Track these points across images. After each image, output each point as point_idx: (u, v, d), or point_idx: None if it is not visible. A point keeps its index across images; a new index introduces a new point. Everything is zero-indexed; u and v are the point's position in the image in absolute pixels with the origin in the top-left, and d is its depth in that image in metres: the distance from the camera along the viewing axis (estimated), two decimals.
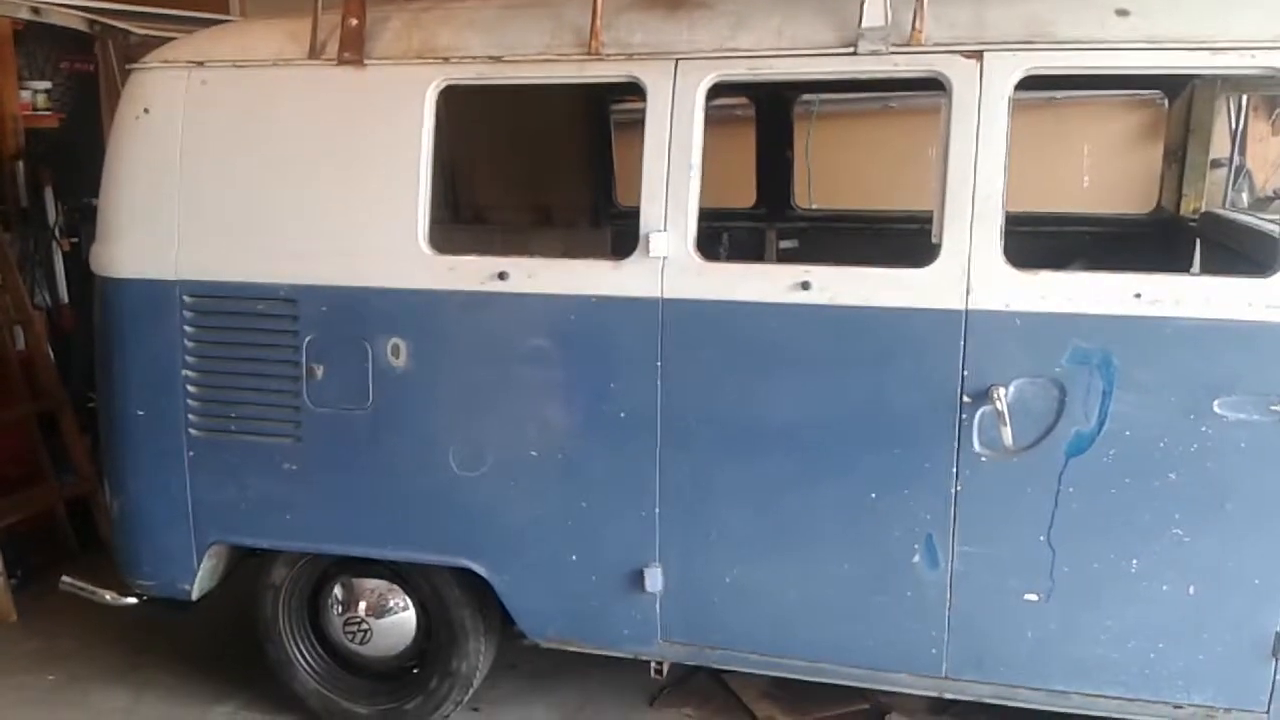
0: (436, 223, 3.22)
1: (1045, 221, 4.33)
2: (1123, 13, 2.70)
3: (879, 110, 5.47)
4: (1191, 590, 2.75)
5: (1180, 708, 2.85)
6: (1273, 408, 2.63)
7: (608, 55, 3.01)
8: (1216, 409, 2.66)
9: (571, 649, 3.35)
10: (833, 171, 5.53)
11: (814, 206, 5.30)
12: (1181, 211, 4.17)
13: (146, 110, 3.33)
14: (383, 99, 3.17)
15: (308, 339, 3.24)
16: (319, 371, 3.24)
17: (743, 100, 4.87)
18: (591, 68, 3.04)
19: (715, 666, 3.35)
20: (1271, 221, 3.22)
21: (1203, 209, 4.15)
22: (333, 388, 3.24)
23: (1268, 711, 2.78)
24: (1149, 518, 2.74)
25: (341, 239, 3.21)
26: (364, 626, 3.50)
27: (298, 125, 3.25)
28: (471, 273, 3.12)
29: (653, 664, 3.31)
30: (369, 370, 3.20)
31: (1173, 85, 4.12)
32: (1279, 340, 2.61)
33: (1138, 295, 2.68)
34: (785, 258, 4.70)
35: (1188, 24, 2.66)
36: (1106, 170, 5.27)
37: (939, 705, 3.61)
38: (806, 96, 5.30)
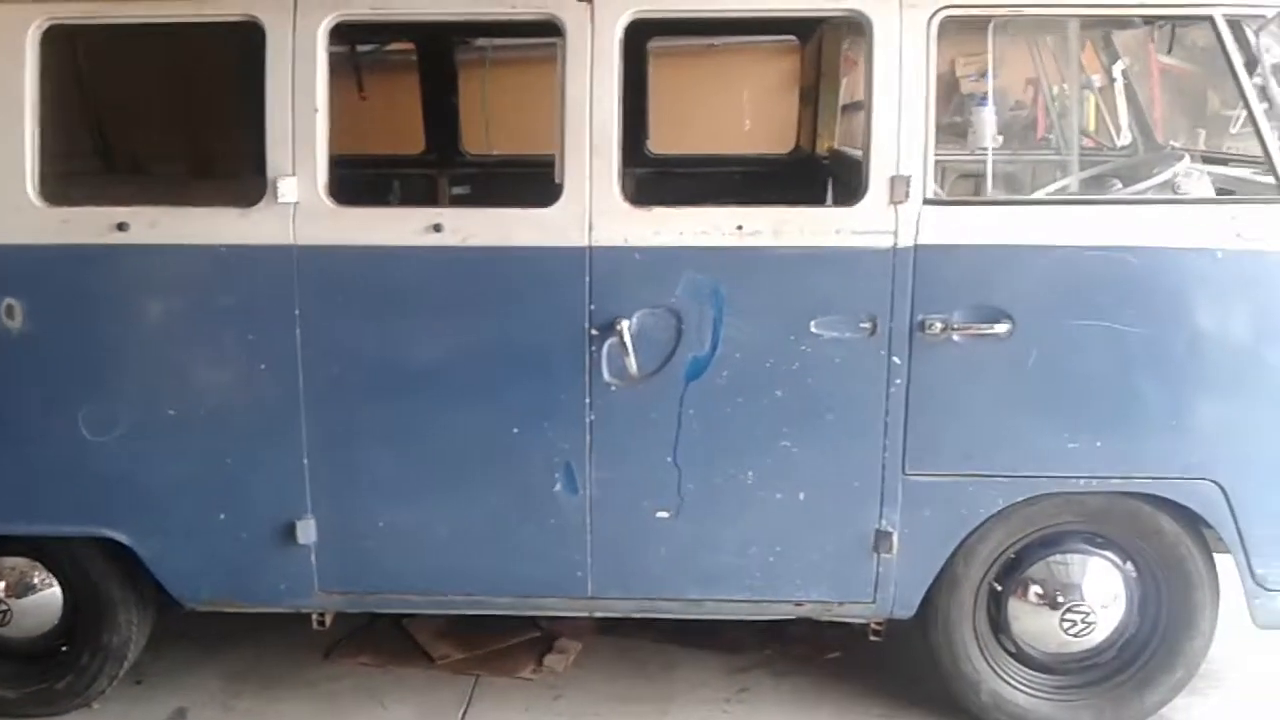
0: (73, 173, 3.04)
1: (699, 163, 4.57)
2: None
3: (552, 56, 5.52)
4: (802, 496, 3.01)
5: (800, 604, 3.13)
6: (862, 325, 2.89)
7: None
8: (814, 329, 2.90)
9: (229, 610, 3.29)
10: (512, 116, 5.55)
11: (494, 152, 5.32)
12: (817, 150, 4.47)
13: None
14: None
15: None
16: None
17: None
18: (208, 6, 2.94)
19: (376, 611, 3.37)
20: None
21: (835, 147, 4.47)
22: None
23: (874, 600, 3.08)
24: (761, 432, 2.97)
25: None
26: (3, 608, 3.29)
27: None
28: (87, 225, 2.96)
29: (314, 616, 3.30)
30: None
31: (803, 30, 4.39)
32: (864, 263, 2.86)
33: (739, 227, 2.87)
34: (458, 203, 4.70)
35: None
36: (768, 113, 5.55)
37: (606, 625, 3.79)
38: (481, 42, 5.30)
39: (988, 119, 4.68)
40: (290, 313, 2.96)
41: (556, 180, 2.91)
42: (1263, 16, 2.85)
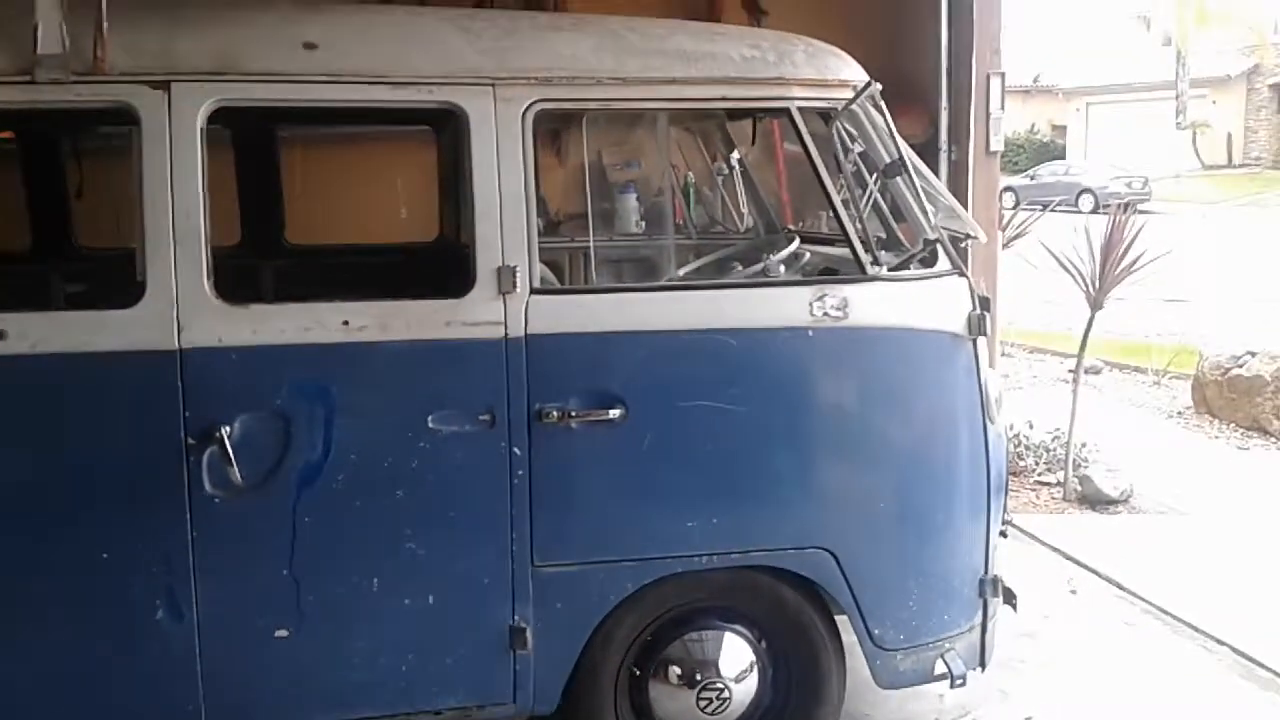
0: None
1: (343, 253, 4.41)
2: (311, 46, 2.77)
3: None
4: (431, 599, 2.87)
5: (439, 714, 2.97)
6: (480, 418, 2.82)
7: None
8: (431, 424, 2.80)
9: None
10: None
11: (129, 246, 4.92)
12: (462, 239, 4.42)
13: None
14: None
15: None
16: None
17: None
18: None
19: None
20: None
21: None
22: None
23: (514, 700, 2.98)
24: (383, 535, 2.82)
25: None
26: None
27: None
28: None
29: None
30: None
31: (438, 122, 4.36)
32: (477, 355, 2.81)
33: (345, 323, 2.75)
34: (74, 302, 4.29)
35: (370, 59, 2.80)
36: (425, 201, 5.47)
37: None
38: (107, 129, 4.93)
39: (630, 206, 4.83)
40: None
41: (139, 277, 2.68)
42: (835, 109, 3.08)
